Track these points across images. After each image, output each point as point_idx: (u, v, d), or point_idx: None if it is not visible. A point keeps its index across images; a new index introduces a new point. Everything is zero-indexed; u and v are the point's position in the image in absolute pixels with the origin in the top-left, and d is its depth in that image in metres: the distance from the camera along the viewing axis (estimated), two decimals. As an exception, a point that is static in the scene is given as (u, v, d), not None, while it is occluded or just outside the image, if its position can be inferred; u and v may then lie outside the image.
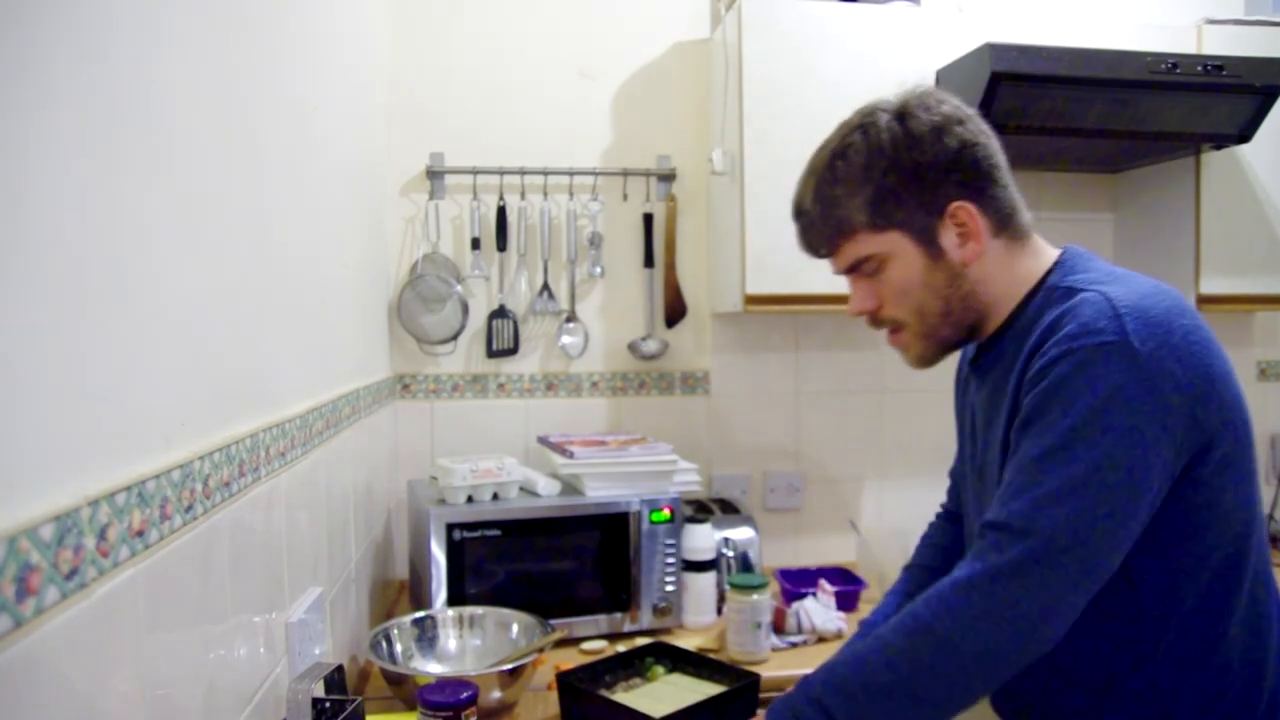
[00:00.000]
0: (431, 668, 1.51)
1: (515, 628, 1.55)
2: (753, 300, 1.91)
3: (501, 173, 2.11)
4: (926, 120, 1.05)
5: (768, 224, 1.91)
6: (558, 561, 1.74)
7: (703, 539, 1.81)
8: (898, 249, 1.07)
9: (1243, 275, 2.10)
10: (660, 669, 1.44)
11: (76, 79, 0.61)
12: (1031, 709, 1.12)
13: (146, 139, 0.72)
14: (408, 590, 1.99)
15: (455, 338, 2.07)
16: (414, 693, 1.20)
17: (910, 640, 0.96)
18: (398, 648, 1.50)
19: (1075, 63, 1.80)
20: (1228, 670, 0.99)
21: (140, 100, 0.71)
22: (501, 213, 2.12)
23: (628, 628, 1.77)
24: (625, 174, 2.18)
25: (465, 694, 1.15)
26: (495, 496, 1.74)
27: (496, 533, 1.69)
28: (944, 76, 1.91)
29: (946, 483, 1.45)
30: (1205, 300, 2.08)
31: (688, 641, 1.65)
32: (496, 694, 1.34)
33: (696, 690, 1.36)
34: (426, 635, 1.55)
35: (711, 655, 1.48)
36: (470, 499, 1.72)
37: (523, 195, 2.14)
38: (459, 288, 2.06)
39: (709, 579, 1.81)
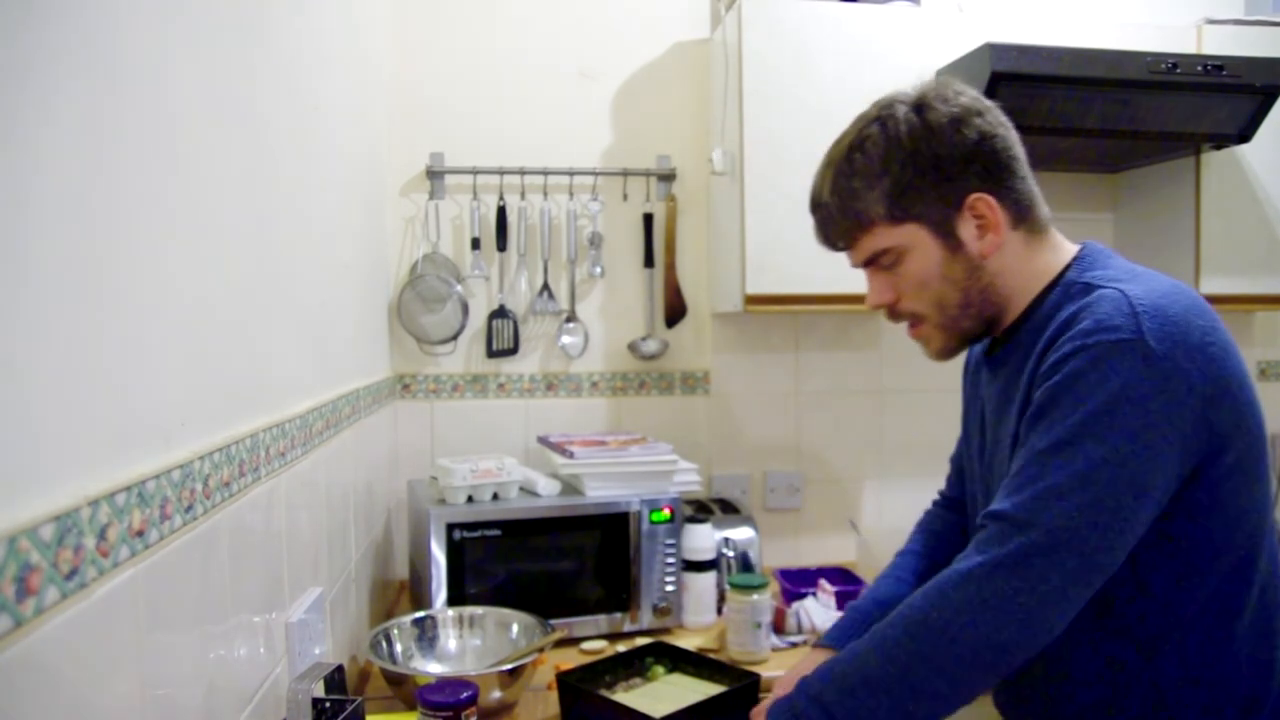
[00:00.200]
0: (431, 668, 1.51)
1: (515, 628, 1.55)
2: (753, 300, 1.91)
3: (501, 173, 2.11)
4: (945, 112, 1.04)
5: (768, 224, 1.91)
6: (558, 561, 1.74)
7: (703, 539, 1.81)
8: (916, 241, 1.06)
9: (1243, 275, 2.10)
10: (660, 669, 1.44)
11: (77, 79, 0.61)
12: (1036, 707, 1.11)
13: (147, 139, 0.72)
14: (408, 590, 1.99)
15: (455, 338, 2.07)
16: (414, 693, 1.19)
17: (908, 632, 0.96)
18: (398, 648, 1.50)
19: (1075, 63, 1.80)
20: (1236, 671, 0.99)
21: (141, 101, 0.71)
22: (501, 213, 2.12)
23: (628, 628, 1.77)
24: (625, 174, 2.18)
25: (465, 694, 1.15)
26: (495, 496, 1.74)
27: (496, 533, 1.69)
28: (944, 76, 1.91)
29: (939, 489, 1.45)
30: (1205, 300, 2.08)
31: (688, 641, 1.65)
32: (496, 694, 1.34)
33: (696, 690, 1.36)
34: (426, 635, 1.55)
35: (711, 655, 1.48)
36: (470, 499, 1.72)
37: (523, 195, 2.14)
38: (459, 288, 2.06)
39: (709, 579, 1.81)
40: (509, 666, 1.34)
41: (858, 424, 2.32)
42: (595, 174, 2.16)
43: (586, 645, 1.71)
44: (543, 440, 2.02)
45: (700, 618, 1.80)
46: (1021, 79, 1.75)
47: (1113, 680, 1.02)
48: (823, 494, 2.31)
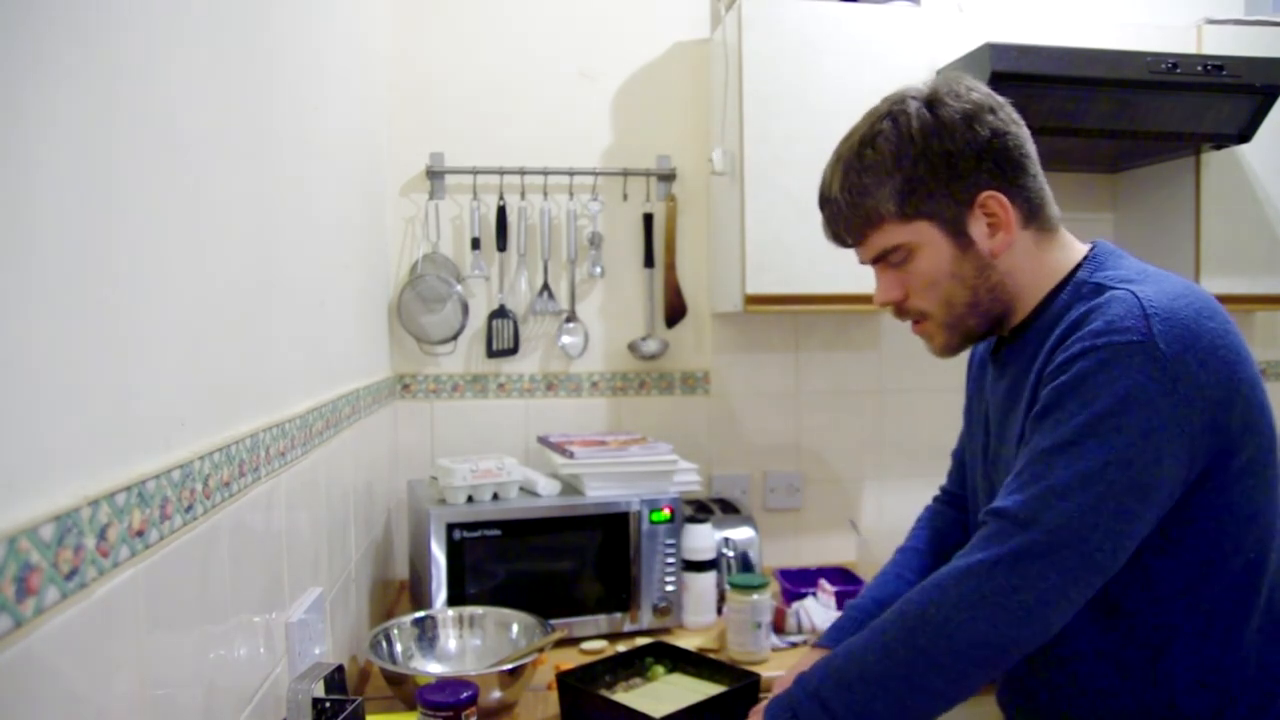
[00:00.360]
0: (431, 668, 1.51)
1: (515, 628, 1.55)
2: (753, 300, 1.91)
3: (501, 173, 2.11)
4: (957, 108, 1.03)
5: (768, 224, 1.91)
6: (558, 561, 1.74)
7: (703, 539, 1.81)
8: (926, 239, 1.05)
9: (1243, 275, 2.10)
10: (660, 669, 1.44)
11: (77, 79, 0.61)
12: (1042, 708, 1.11)
13: (146, 139, 0.72)
14: (408, 590, 1.99)
15: (455, 338, 2.07)
16: (414, 693, 1.19)
17: (907, 628, 0.96)
18: (398, 648, 1.50)
19: (1075, 63, 1.80)
20: (1244, 674, 0.98)
21: (140, 100, 0.71)
22: (501, 213, 2.12)
23: (628, 628, 1.77)
24: (625, 174, 2.18)
25: (465, 694, 1.15)
26: (495, 496, 1.74)
27: (496, 533, 1.69)
28: (955, 72, 1.92)
29: (940, 484, 1.45)
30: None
31: (688, 641, 1.65)
32: (496, 694, 1.34)
33: (696, 690, 1.37)
34: (426, 635, 1.55)
35: (711, 655, 1.48)
36: (470, 499, 1.72)
37: (523, 195, 2.14)
38: (459, 288, 2.06)
39: (709, 579, 1.81)
40: (509, 666, 1.34)
41: (858, 424, 2.32)
42: (595, 174, 2.16)
43: (586, 645, 1.71)
44: (543, 440, 2.02)
45: (700, 618, 1.80)
46: (1021, 79, 1.75)
47: (1120, 681, 1.02)
48: (823, 494, 2.31)
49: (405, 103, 2.11)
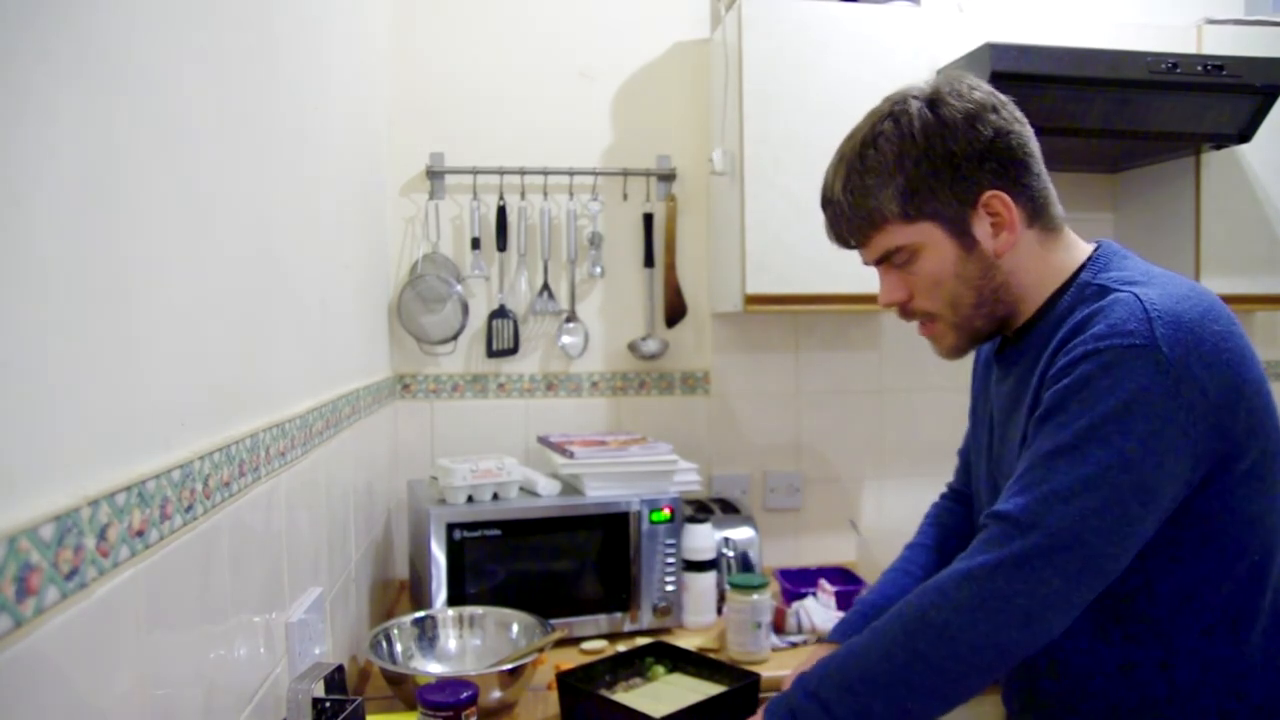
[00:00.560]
0: (431, 668, 1.51)
1: (515, 628, 1.55)
2: (753, 300, 1.91)
3: (501, 173, 2.11)
4: (959, 107, 1.02)
5: (768, 224, 1.91)
6: (558, 561, 1.74)
7: (703, 539, 1.81)
8: (930, 240, 1.05)
9: (1243, 275, 2.10)
10: (660, 669, 1.44)
11: (76, 79, 0.61)
12: (1047, 709, 1.11)
13: (146, 139, 0.72)
14: (408, 590, 1.99)
15: (455, 338, 2.07)
16: (414, 693, 1.19)
17: (907, 631, 0.96)
18: (398, 648, 1.50)
19: (1075, 63, 1.80)
20: (1250, 676, 0.98)
21: (140, 100, 0.71)
22: (501, 213, 2.12)
23: (628, 628, 1.77)
24: (625, 174, 2.18)
25: (465, 694, 1.15)
26: (495, 496, 1.74)
27: (496, 533, 1.69)
28: (957, 70, 1.92)
29: (946, 482, 1.45)
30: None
31: (688, 641, 1.65)
32: (496, 694, 1.34)
33: (696, 690, 1.36)
34: (426, 635, 1.55)
35: (711, 655, 1.48)
36: (470, 499, 1.72)
37: (523, 195, 2.14)
38: (459, 288, 2.06)
39: (709, 579, 1.81)
40: (509, 666, 1.34)
41: (858, 424, 2.32)
42: (595, 174, 2.16)
43: (586, 645, 1.71)
44: (543, 440, 2.02)
45: (700, 618, 1.80)
46: (1021, 79, 1.75)
47: (1125, 684, 1.01)
48: (823, 494, 2.31)
49: (405, 103, 2.11)
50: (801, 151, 1.89)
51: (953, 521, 1.35)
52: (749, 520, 1.97)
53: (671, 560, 1.78)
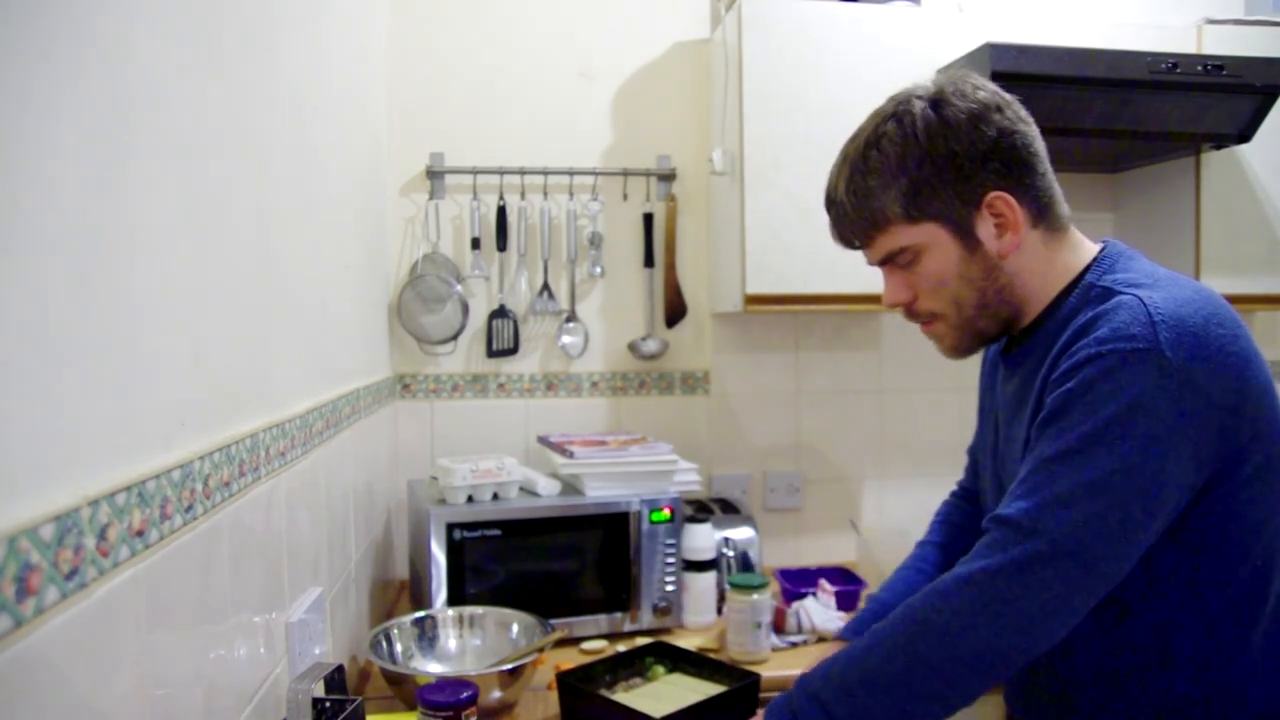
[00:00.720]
0: (431, 668, 1.51)
1: (515, 628, 1.55)
2: (753, 300, 1.91)
3: (501, 173, 2.11)
4: (963, 107, 1.02)
5: (768, 224, 1.91)
6: (558, 561, 1.74)
7: (703, 539, 1.81)
8: (933, 241, 1.04)
9: (1243, 275, 2.10)
10: (660, 669, 1.44)
11: (76, 79, 0.61)
12: (1050, 710, 1.11)
13: (146, 139, 0.72)
14: (408, 590, 1.99)
15: (455, 338, 2.07)
16: (414, 693, 1.20)
17: (908, 634, 0.95)
18: (398, 648, 1.50)
19: (1075, 63, 1.80)
20: (1251, 681, 0.98)
21: (140, 101, 0.71)
22: (501, 213, 2.12)
23: (628, 628, 1.77)
24: (625, 174, 2.18)
25: (465, 694, 1.15)
26: (495, 496, 1.74)
27: (496, 533, 1.69)
28: (962, 69, 1.92)
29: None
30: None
31: (688, 641, 1.65)
32: (496, 694, 1.34)
33: (696, 690, 1.36)
34: (426, 635, 1.55)
35: (711, 655, 1.48)
36: (470, 499, 1.72)
37: (523, 195, 2.14)
38: (459, 288, 2.06)
39: (709, 579, 1.81)
40: (509, 666, 1.34)
41: (858, 424, 2.32)
42: (595, 174, 2.16)
43: (586, 645, 1.71)
44: (543, 440, 2.02)
45: (700, 618, 1.80)
46: (1021, 79, 1.75)
47: (1126, 687, 1.01)
48: (823, 494, 2.31)
49: (405, 103, 2.11)
50: (801, 151, 1.89)
51: (962, 519, 1.35)
52: (749, 520, 1.97)
53: (671, 560, 1.78)
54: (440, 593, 1.65)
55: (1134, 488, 0.89)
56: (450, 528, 1.66)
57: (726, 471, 2.26)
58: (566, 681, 1.36)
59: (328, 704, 0.99)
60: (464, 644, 1.56)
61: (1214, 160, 2.10)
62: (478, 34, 2.14)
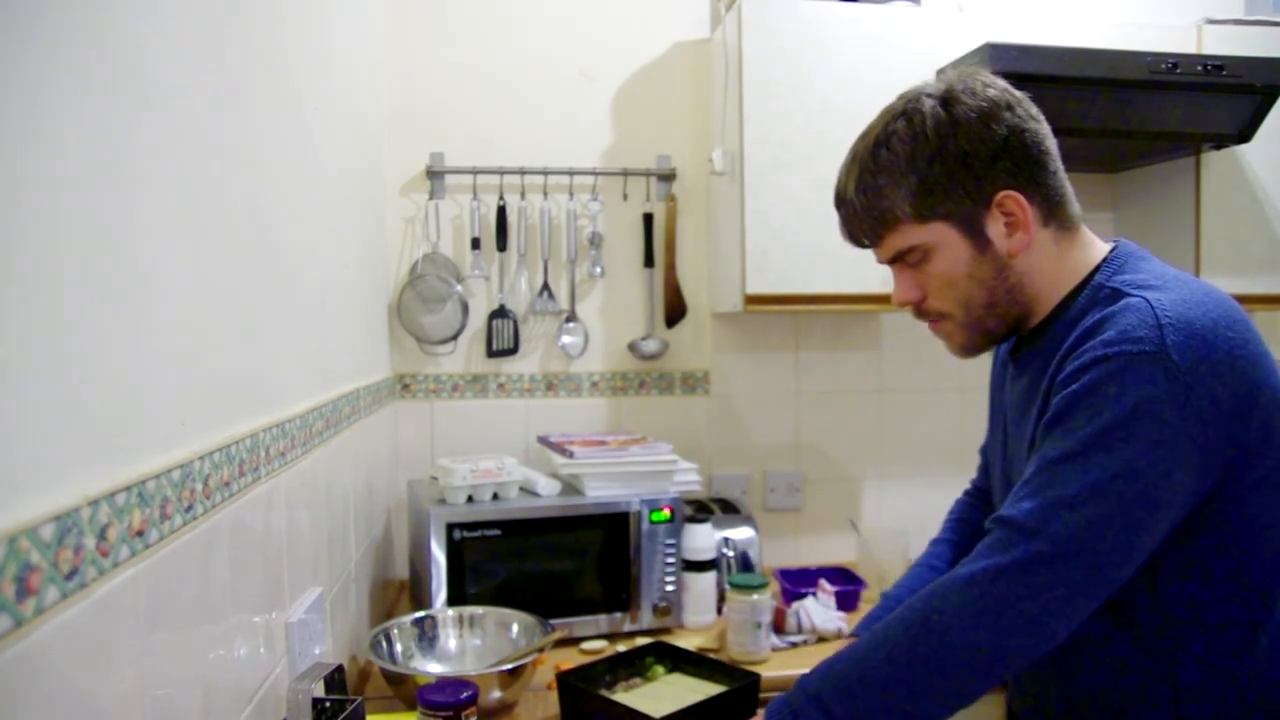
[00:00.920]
0: (431, 668, 1.51)
1: (515, 628, 1.55)
2: (753, 300, 1.91)
3: (501, 173, 2.11)
4: (973, 105, 1.01)
5: (768, 224, 1.91)
6: (558, 561, 1.74)
7: (703, 539, 1.81)
8: (943, 240, 1.03)
9: (1243, 275, 2.10)
10: (660, 669, 1.44)
11: (74, 78, 0.61)
12: (1051, 713, 1.10)
13: (145, 139, 0.72)
14: (408, 590, 1.99)
15: (455, 338, 2.07)
16: (414, 692, 1.20)
17: (909, 634, 0.95)
18: (398, 648, 1.50)
19: (1075, 63, 1.80)
20: (1256, 686, 0.97)
21: (139, 100, 0.71)
22: (501, 213, 2.12)
23: (628, 628, 1.77)
24: (625, 174, 2.18)
25: (465, 694, 1.15)
26: (495, 496, 1.74)
27: (496, 533, 1.69)
28: (941, 77, 1.92)
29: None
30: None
31: (688, 641, 1.64)
32: (496, 694, 1.34)
33: (696, 690, 1.36)
34: (426, 635, 1.55)
35: (711, 655, 1.48)
36: (470, 499, 1.72)
37: (523, 195, 2.14)
38: (459, 288, 2.06)
39: (709, 579, 1.81)
40: (509, 666, 1.34)
41: (858, 424, 2.32)
42: (595, 174, 2.16)
43: (586, 645, 1.71)
44: (543, 440, 2.02)
45: (700, 618, 1.80)
46: (1021, 79, 1.73)
47: (1131, 690, 1.01)
48: (823, 494, 2.31)
49: (405, 103, 2.11)
50: (801, 151, 1.89)
51: (974, 517, 1.35)
52: (749, 520, 1.97)
53: (671, 560, 1.78)
54: (440, 593, 1.65)
55: (1138, 491, 0.89)
56: (450, 528, 1.66)
57: (726, 471, 2.26)
58: (566, 681, 1.36)
59: (328, 704, 0.99)
60: (464, 644, 1.56)
61: (1214, 160, 2.10)
62: (478, 34, 2.14)
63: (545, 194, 2.14)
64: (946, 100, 1.02)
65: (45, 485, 0.56)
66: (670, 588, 1.78)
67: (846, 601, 1.86)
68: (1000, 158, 1.01)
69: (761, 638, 1.63)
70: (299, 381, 1.21)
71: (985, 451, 1.37)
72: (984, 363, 1.22)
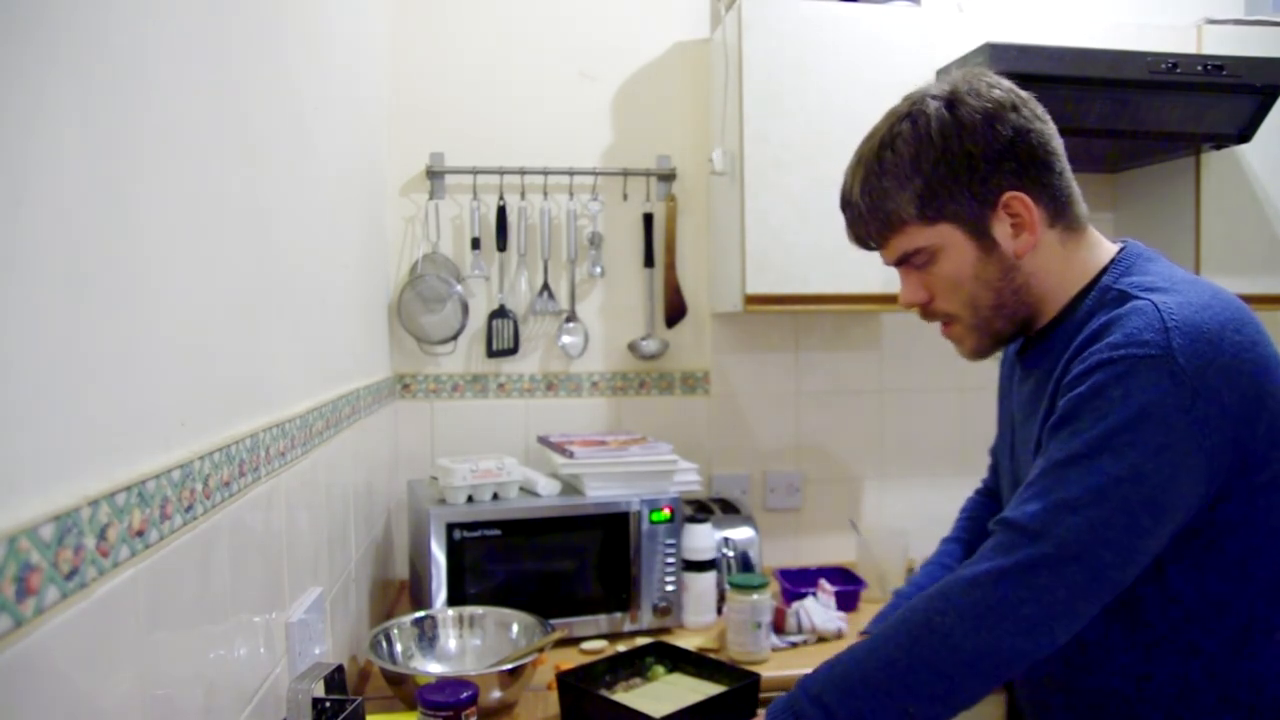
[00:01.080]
0: (431, 668, 1.51)
1: (515, 628, 1.55)
2: (753, 300, 1.91)
3: (501, 173, 2.11)
4: (978, 107, 1.01)
5: (768, 224, 1.91)
6: (558, 561, 1.74)
7: (703, 539, 1.81)
8: (949, 241, 1.03)
9: (1243, 275, 2.10)
10: (660, 669, 1.44)
11: (76, 79, 0.61)
12: (1060, 714, 1.10)
13: (146, 139, 0.72)
14: (408, 590, 1.99)
15: (455, 338, 2.07)
16: (414, 693, 1.19)
17: (911, 635, 0.95)
18: (398, 648, 1.50)
19: (1075, 63, 1.80)
20: (1267, 689, 0.97)
21: (139, 100, 0.71)
22: (501, 213, 2.12)
23: (628, 628, 1.77)
24: (625, 174, 2.18)
25: (465, 694, 1.15)
26: (495, 496, 1.74)
27: (496, 533, 1.69)
28: (943, 77, 1.91)
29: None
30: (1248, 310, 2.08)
31: (688, 641, 1.64)
32: (496, 694, 1.34)
33: (696, 690, 1.36)
34: (426, 635, 1.55)
35: (711, 655, 1.48)
36: (470, 499, 1.72)
37: (523, 195, 2.14)
38: (459, 288, 2.06)
39: (709, 579, 1.81)
40: (509, 666, 1.34)
41: (858, 424, 2.32)
42: (595, 174, 2.16)
43: (586, 645, 1.71)
44: (543, 440, 2.02)
45: (700, 618, 1.80)
46: (1021, 79, 1.74)
47: (1142, 693, 1.01)
48: (823, 494, 2.31)
49: (405, 103, 2.11)
50: (801, 151, 1.89)
51: (986, 516, 1.35)
52: (749, 520, 1.97)
53: (671, 560, 1.78)
54: (440, 593, 1.65)
55: (1142, 495, 0.89)
56: (450, 528, 1.66)
57: (726, 471, 2.26)
58: (566, 681, 1.36)
59: (328, 704, 0.99)
60: (464, 644, 1.56)
61: (1214, 160, 2.10)
62: (478, 34, 2.14)
63: (545, 194, 2.14)
64: (951, 102, 1.02)
65: (45, 485, 0.56)
66: (670, 588, 1.78)
67: (846, 601, 1.86)
68: (1005, 159, 1.01)
69: (761, 638, 1.63)
70: (299, 381, 1.21)
71: (995, 452, 1.37)
72: (985, 363, 1.22)
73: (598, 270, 2.16)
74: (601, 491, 1.78)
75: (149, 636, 0.70)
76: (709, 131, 2.17)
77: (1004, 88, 1.03)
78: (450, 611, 1.59)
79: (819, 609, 1.77)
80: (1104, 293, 1.01)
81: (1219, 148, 2.06)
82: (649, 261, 2.19)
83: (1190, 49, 2.03)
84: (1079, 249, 1.06)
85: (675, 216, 2.21)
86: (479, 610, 1.59)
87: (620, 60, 2.20)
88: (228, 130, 0.92)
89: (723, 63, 2.01)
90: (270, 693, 1.00)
